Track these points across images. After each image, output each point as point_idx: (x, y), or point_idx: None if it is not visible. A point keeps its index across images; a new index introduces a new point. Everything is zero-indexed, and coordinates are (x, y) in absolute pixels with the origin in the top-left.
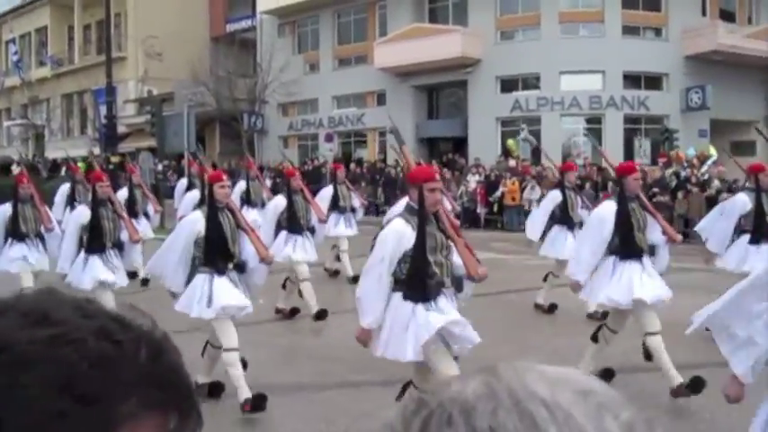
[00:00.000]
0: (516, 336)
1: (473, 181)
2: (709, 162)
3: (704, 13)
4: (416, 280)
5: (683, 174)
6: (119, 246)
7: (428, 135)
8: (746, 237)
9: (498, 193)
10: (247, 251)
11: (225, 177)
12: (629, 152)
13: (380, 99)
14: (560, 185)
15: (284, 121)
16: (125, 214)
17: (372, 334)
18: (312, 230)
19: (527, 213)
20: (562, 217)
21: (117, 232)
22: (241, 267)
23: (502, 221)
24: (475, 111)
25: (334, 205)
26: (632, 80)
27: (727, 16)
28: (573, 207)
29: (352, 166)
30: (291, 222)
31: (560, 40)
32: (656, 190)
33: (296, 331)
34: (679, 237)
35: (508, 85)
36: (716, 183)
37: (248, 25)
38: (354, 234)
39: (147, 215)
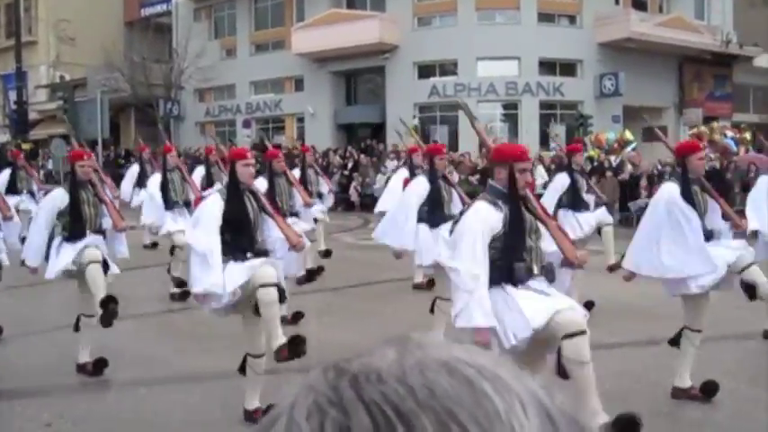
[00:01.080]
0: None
1: (391, 167)
2: (630, 147)
3: (617, 2)
4: (504, 265)
5: (596, 159)
6: (101, 234)
7: (346, 121)
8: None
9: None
10: (273, 237)
11: (250, 156)
12: (544, 137)
13: (298, 85)
14: (568, 168)
15: (201, 107)
16: (107, 197)
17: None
18: (296, 215)
19: None
20: (573, 200)
21: (98, 219)
22: (265, 255)
23: None
24: (393, 97)
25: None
26: (547, 67)
27: (640, 5)
28: (583, 189)
29: None
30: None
31: (477, 27)
32: None
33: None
34: (744, 223)
35: (426, 71)
36: (629, 167)
37: (163, 10)
38: (324, 219)
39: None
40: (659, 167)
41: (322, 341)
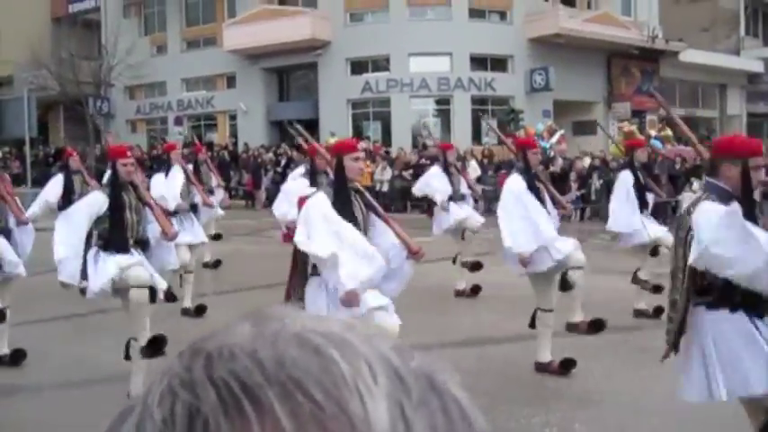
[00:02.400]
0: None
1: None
2: (557, 135)
3: None
4: None
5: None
6: (144, 244)
7: (279, 117)
8: None
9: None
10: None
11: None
12: (476, 132)
13: (230, 82)
14: (630, 165)
15: (131, 105)
16: (152, 201)
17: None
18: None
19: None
20: (638, 197)
21: (142, 226)
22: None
23: None
24: (326, 93)
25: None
26: (479, 62)
27: (568, 1)
28: (646, 187)
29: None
30: None
31: (409, 23)
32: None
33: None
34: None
35: (358, 67)
36: (559, 160)
37: (91, 6)
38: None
39: None
40: (591, 161)
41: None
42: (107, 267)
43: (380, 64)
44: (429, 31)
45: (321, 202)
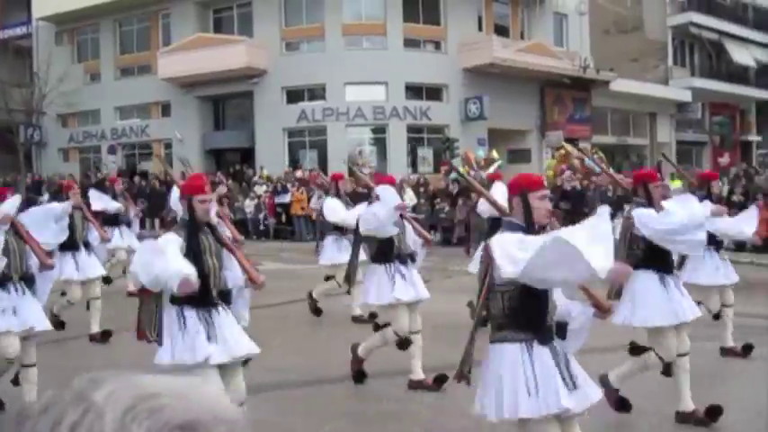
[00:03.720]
0: (309, 345)
1: (260, 191)
2: (496, 165)
3: (480, 28)
4: None
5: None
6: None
7: (214, 146)
8: None
9: (285, 200)
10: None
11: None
12: (413, 161)
13: (165, 110)
14: (708, 197)
15: (64, 133)
16: (230, 243)
17: None
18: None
19: (315, 223)
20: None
21: (222, 273)
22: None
23: (291, 231)
24: (262, 121)
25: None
26: (414, 91)
27: (502, 31)
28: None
29: (137, 179)
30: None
31: (344, 52)
32: (438, 200)
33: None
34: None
35: (294, 95)
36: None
37: (23, 32)
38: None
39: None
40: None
41: None
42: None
43: (317, 93)
44: (365, 61)
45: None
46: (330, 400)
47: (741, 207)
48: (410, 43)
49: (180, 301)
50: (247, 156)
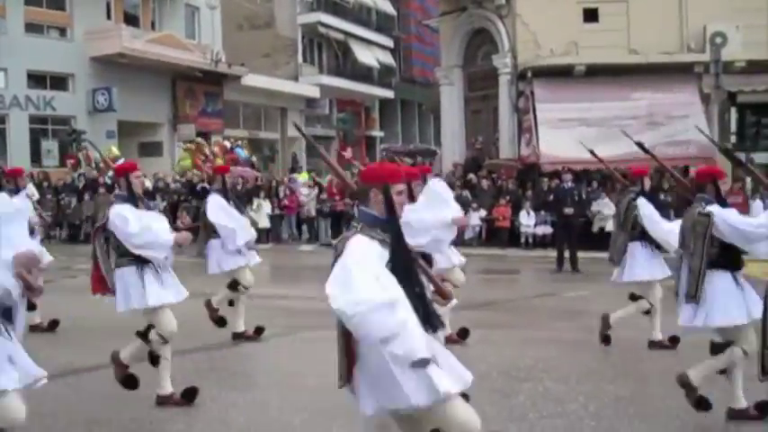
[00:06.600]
0: None
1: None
2: (119, 162)
3: (109, 17)
4: None
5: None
6: None
7: None
8: None
9: None
10: None
11: None
12: (35, 153)
13: None
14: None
15: None
16: None
17: None
18: None
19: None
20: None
21: None
22: None
23: None
24: None
25: None
26: (37, 80)
27: (132, 20)
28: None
29: None
30: None
31: None
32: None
33: None
34: None
35: None
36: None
37: None
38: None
39: None
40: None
41: None
42: None
43: None
44: None
45: None
46: None
47: None
48: (32, 28)
49: None
50: None
